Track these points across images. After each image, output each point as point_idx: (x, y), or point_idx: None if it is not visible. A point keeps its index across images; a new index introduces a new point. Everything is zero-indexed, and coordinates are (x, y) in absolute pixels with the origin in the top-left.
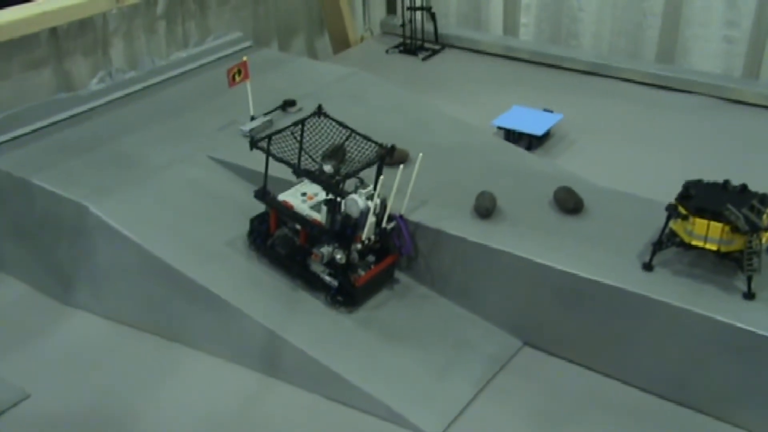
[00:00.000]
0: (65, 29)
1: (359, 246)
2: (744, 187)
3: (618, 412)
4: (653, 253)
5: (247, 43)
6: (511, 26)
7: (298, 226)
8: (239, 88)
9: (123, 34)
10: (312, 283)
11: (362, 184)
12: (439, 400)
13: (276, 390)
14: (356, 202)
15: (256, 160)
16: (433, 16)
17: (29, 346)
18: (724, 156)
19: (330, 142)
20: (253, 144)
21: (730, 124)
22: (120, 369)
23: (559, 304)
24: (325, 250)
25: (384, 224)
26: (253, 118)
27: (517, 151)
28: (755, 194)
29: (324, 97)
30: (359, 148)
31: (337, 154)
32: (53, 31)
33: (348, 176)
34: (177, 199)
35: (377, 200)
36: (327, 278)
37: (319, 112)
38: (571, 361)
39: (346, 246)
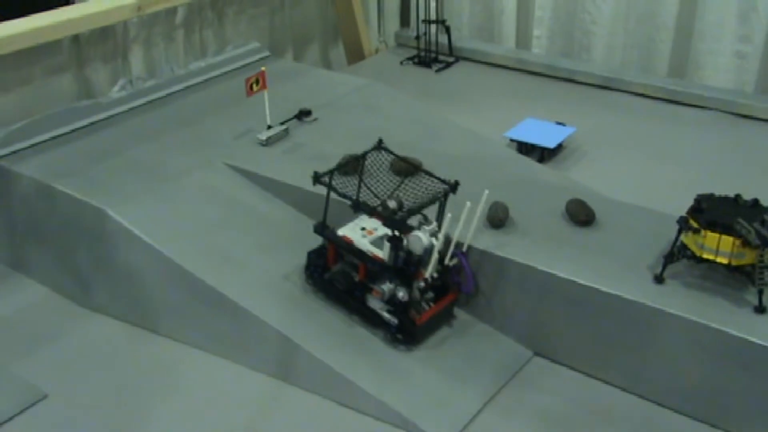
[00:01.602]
0: (86, 36)
1: (422, 284)
2: (755, 202)
3: (628, 424)
4: (664, 266)
5: (264, 53)
6: (523, 39)
7: (357, 261)
8: (256, 97)
9: (142, 41)
10: (370, 319)
11: (426, 220)
12: (449, 408)
13: (288, 395)
14: (420, 239)
15: (271, 169)
16: (447, 29)
17: (48, 347)
18: (735, 170)
19: (390, 177)
20: (316, 179)
21: (741, 138)
22: (136, 372)
23: (570, 314)
24: (386, 287)
25: (446, 261)
26: (269, 127)
27: (530, 163)
28: (767, 209)
29: (339, 107)
30: (421, 183)
31: (351, 165)
32: (75, 38)
33: (412, 213)
34: (194, 206)
35: (442, 238)
36: (386, 315)
37: (379, 146)
38: (581, 372)
39: (407, 283)
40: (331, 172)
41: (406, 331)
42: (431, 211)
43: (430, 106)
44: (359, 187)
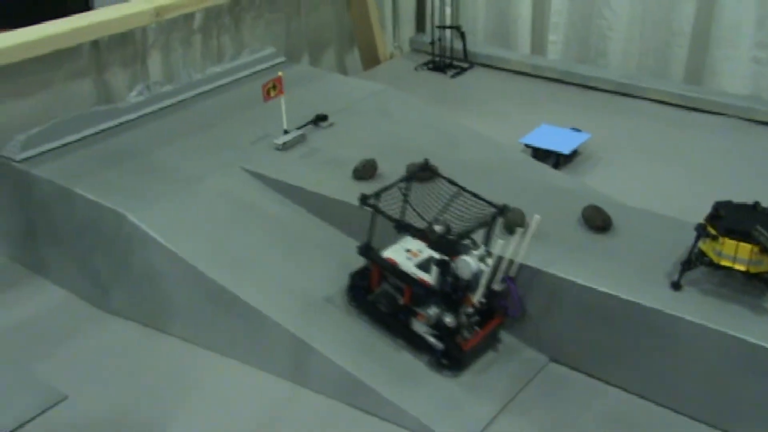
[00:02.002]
0: (106, 41)
1: (470, 309)
2: None
3: (644, 431)
4: (681, 273)
5: (280, 59)
6: (539, 45)
7: (402, 284)
8: (273, 102)
9: (160, 47)
10: (414, 343)
11: (474, 244)
12: (465, 413)
13: (303, 398)
14: (469, 264)
15: (288, 173)
16: (462, 35)
17: (67, 349)
18: (753, 177)
19: (437, 199)
20: (363, 202)
21: (759, 145)
22: (153, 374)
23: (586, 321)
24: (433, 311)
25: (494, 286)
26: (286, 132)
27: (545, 169)
28: None
29: (354, 112)
30: (466, 204)
31: (367, 168)
32: (94, 43)
33: (462, 237)
34: (211, 209)
35: (491, 262)
36: (432, 340)
37: (426, 167)
38: (597, 379)
39: (454, 308)
40: (377, 194)
41: (453, 356)
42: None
43: (445, 111)
44: (404, 208)
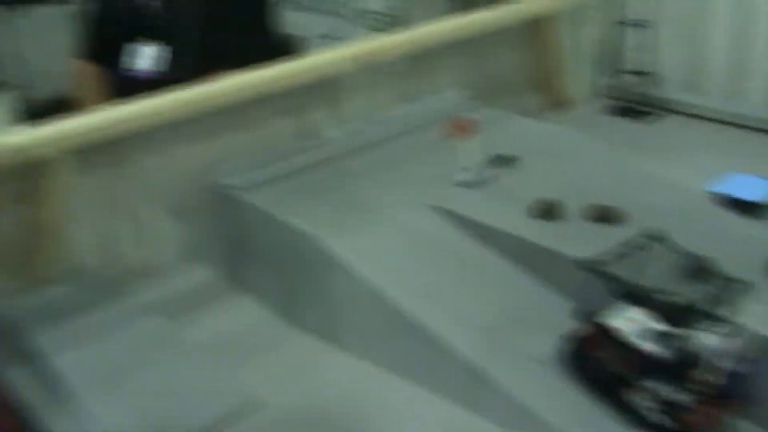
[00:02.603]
0: (309, 83)
1: (703, 388)
2: None
3: None
4: None
5: (467, 101)
6: (735, 91)
7: (623, 353)
8: (459, 143)
9: (357, 88)
10: (632, 417)
11: (711, 316)
12: None
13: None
14: (706, 340)
15: (470, 210)
16: (653, 80)
17: (263, 359)
18: None
19: (666, 267)
20: (591, 269)
21: None
22: (339, 387)
23: None
24: (660, 387)
25: (732, 365)
26: (471, 171)
27: (733, 218)
28: None
29: (540, 155)
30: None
31: (549, 208)
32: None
33: (702, 314)
34: (401, 242)
35: (733, 341)
36: (655, 416)
37: (660, 237)
38: None
39: (685, 385)
40: (609, 261)
41: None
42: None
43: (633, 157)
44: (638, 280)
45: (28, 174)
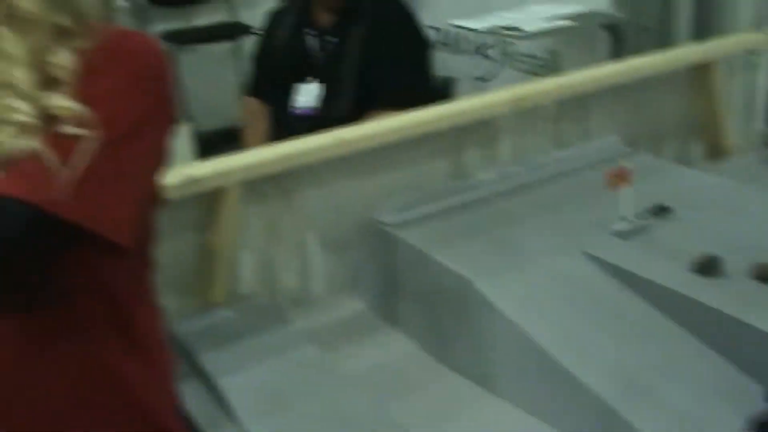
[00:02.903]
0: (464, 125)
1: None
2: None
3: None
4: None
5: (624, 148)
6: None
7: None
8: (614, 191)
9: (512, 131)
10: None
11: None
12: None
13: None
14: None
15: (625, 260)
16: None
17: (414, 395)
18: None
19: None
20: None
21: None
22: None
23: None
24: None
25: None
26: (627, 221)
27: None
28: None
29: (699, 206)
30: None
31: (711, 264)
32: (455, 127)
33: None
34: (550, 287)
35: None
36: None
37: None
38: None
39: None
40: None
41: None
42: None
43: None
44: None
45: (202, 202)
